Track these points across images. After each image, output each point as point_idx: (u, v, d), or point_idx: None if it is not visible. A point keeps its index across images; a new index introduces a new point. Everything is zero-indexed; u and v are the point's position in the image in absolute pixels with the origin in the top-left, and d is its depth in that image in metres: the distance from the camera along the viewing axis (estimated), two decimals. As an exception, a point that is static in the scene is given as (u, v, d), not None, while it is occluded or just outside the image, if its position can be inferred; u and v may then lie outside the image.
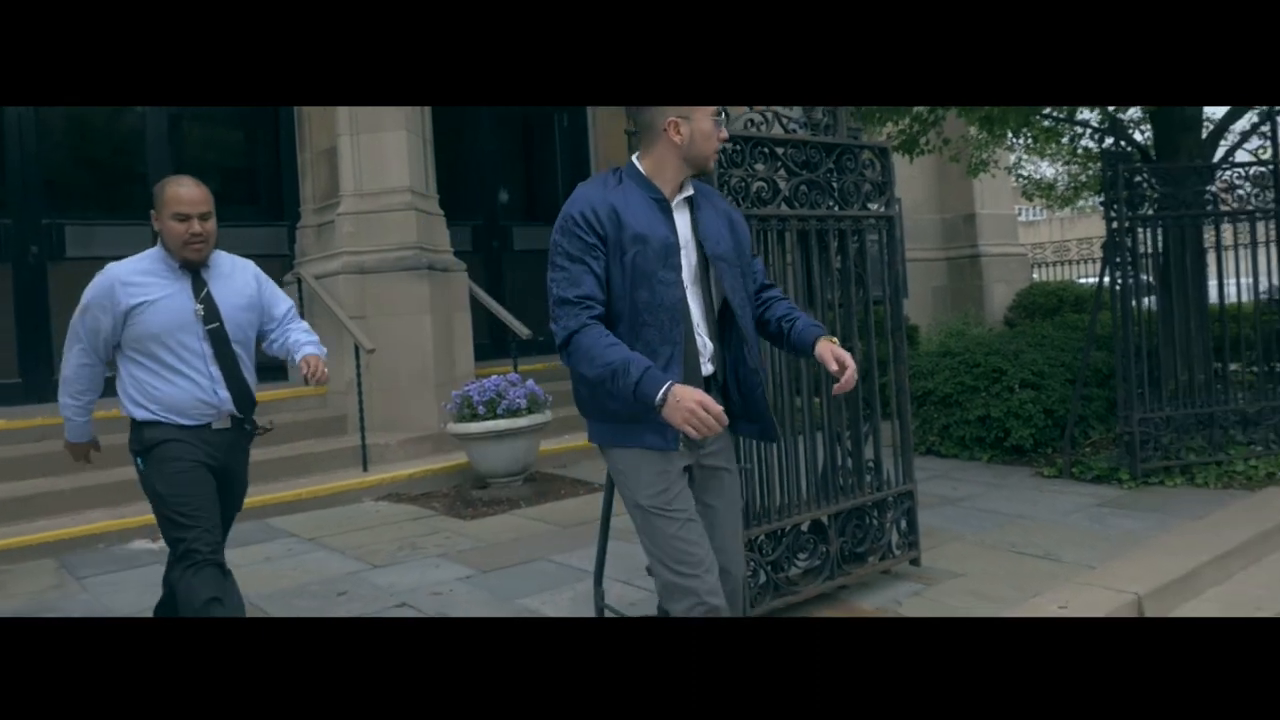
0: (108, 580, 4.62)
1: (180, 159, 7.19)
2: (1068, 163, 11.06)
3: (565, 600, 3.84)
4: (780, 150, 3.59)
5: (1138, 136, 7.23)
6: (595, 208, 2.19)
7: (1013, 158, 11.83)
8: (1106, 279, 5.50)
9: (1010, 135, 7.44)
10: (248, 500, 5.51)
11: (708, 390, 2.28)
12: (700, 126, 2.25)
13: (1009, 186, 12.30)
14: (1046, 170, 13.38)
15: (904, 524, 3.94)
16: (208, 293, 2.92)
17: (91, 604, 4.25)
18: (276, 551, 4.96)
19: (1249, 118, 6.90)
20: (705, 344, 2.31)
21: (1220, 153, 6.71)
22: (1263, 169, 5.85)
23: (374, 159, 6.66)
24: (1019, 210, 16.68)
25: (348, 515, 5.69)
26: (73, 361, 2.97)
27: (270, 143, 7.67)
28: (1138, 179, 5.53)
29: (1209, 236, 6.07)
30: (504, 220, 8.98)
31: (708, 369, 2.32)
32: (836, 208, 3.76)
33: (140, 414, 2.90)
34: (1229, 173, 5.94)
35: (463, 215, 8.24)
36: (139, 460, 2.93)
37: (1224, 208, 5.85)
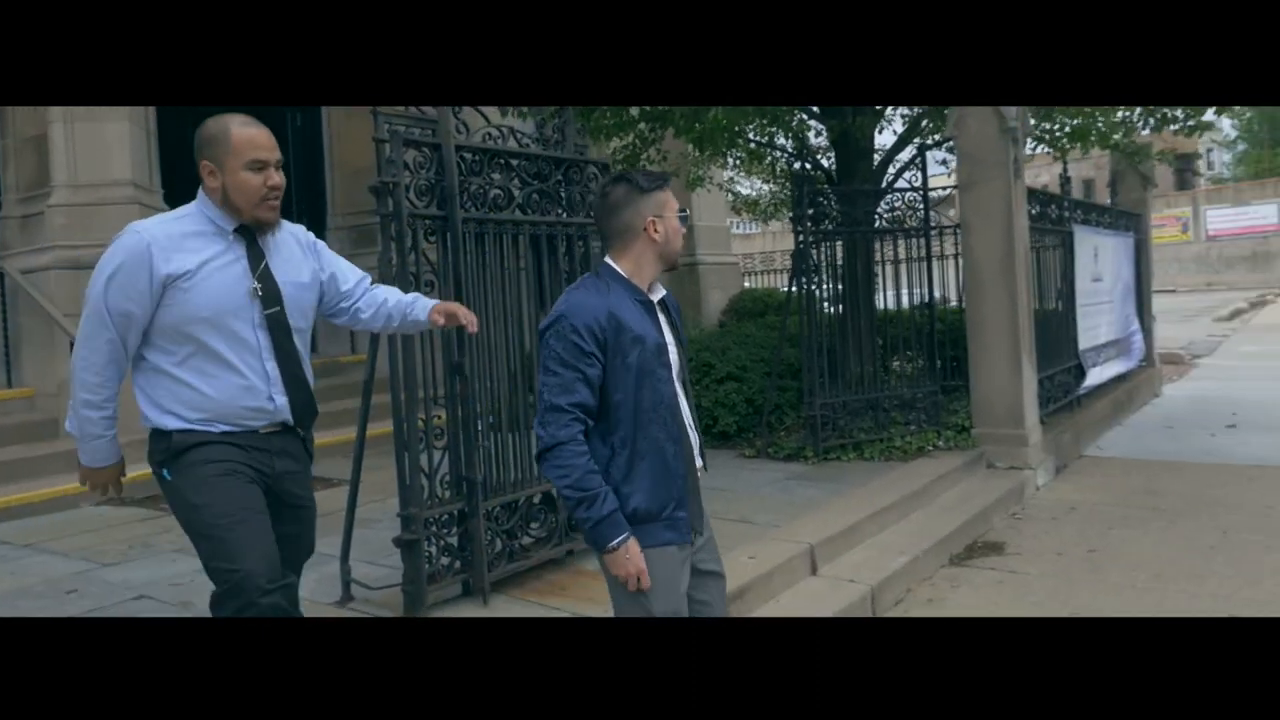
0: None
1: None
2: (768, 181, 12.33)
3: (312, 581, 4.01)
4: (515, 162, 4.01)
5: (825, 162, 8.31)
6: (597, 316, 2.21)
7: (726, 175, 12.98)
8: (795, 286, 6.39)
9: (722, 154, 8.31)
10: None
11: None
12: (671, 223, 2.34)
13: (723, 201, 13.47)
14: (761, 187, 14.79)
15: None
16: (266, 267, 2.30)
17: None
18: (-13, 558, 4.71)
19: (909, 150, 8.17)
20: (695, 438, 2.39)
21: (887, 180, 7.93)
22: (916, 194, 7.02)
23: (92, 149, 6.36)
24: (734, 223, 18.18)
25: (67, 520, 5.44)
26: (95, 355, 2.23)
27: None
28: (820, 199, 6.48)
29: (880, 250, 7.19)
30: (232, 217, 8.73)
31: (699, 462, 2.40)
32: (565, 215, 4.22)
33: (170, 422, 2.26)
34: (889, 196, 7.07)
35: (187, 210, 7.95)
36: (164, 471, 2.31)
37: (889, 226, 6.97)
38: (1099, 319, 8.75)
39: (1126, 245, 10.01)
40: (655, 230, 2.32)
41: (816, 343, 6.29)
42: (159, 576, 4.22)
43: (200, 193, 2.28)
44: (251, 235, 2.30)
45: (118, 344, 2.23)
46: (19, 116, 6.70)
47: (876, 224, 7.05)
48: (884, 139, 9.46)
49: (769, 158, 8.89)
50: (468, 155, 3.78)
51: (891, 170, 8.12)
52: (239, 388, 2.26)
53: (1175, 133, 7.51)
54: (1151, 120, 7.35)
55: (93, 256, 6.28)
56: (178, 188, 7.48)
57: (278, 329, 2.30)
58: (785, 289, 15.40)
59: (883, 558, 4.61)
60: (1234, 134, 50.61)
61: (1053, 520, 5.79)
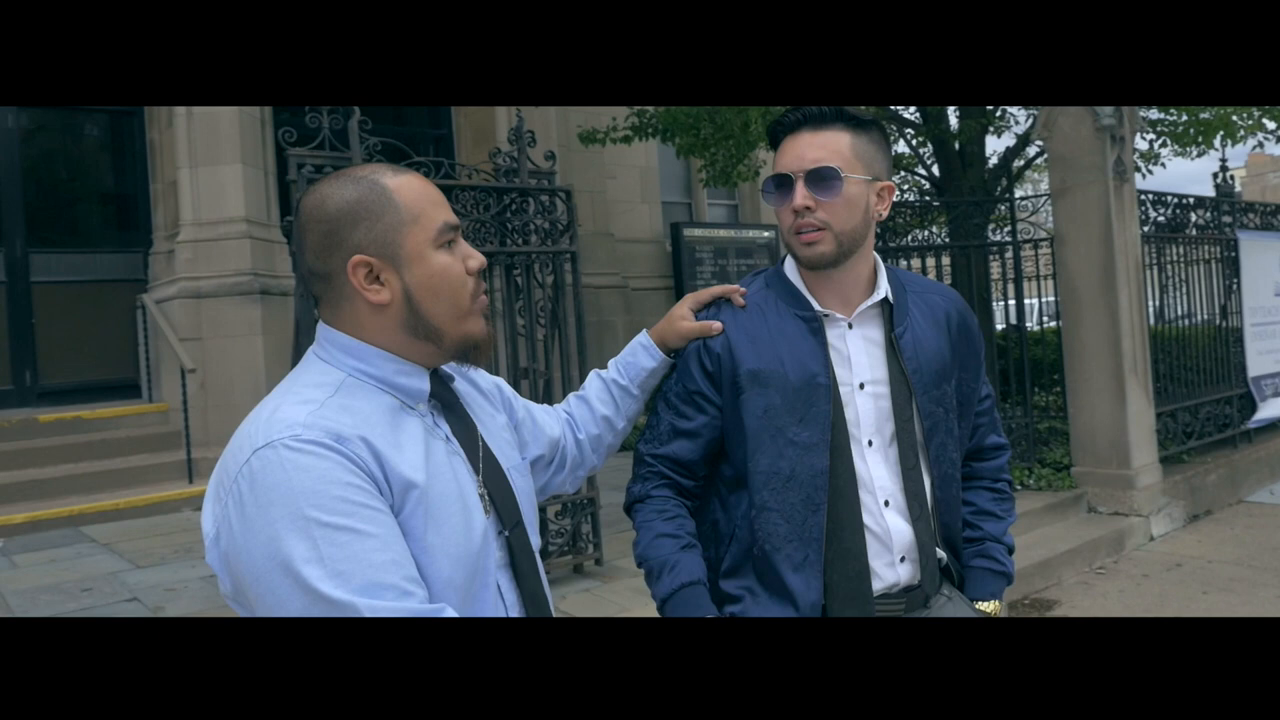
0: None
1: (34, 180, 7.65)
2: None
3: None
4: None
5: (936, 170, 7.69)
6: (708, 342, 1.60)
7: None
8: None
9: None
10: (66, 509, 6.03)
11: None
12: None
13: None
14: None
15: (587, 528, 4.37)
16: (482, 442, 1.29)
17: None
18: (66, 554, 5.36)
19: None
20: (893, 530, 1.55)
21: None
22: (1025, 204, 6.33)
23: (211, 191, 7.10)
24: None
25: (158, 524, 6.09)
26: None
27: (133, 168, 8.10)
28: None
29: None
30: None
31: (891, 577, 1.55)
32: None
33: None
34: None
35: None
36: None
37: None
38: (1287, 340, 7.43)
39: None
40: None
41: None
42: (164, 581, 4.63)
43: (331, 338, 1.22)
44: (450, 392, 1.30)
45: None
46: (162, 164, 7.62)
47: (995, 236, 6.47)
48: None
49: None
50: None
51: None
52: None
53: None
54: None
55: (212, 287, 7.05)
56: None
57: (519, 546, 1.29)
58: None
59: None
60: None
61: (1143, 578, 5.00)
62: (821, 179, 1.49)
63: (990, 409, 1.74)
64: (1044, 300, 6.75)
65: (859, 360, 1.56)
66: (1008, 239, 6.21)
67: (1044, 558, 5.00)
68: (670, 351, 1.64)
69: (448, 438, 1.23)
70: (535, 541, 1.34)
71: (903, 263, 6.02)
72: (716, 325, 1.58)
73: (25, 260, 7.48)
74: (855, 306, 1.57)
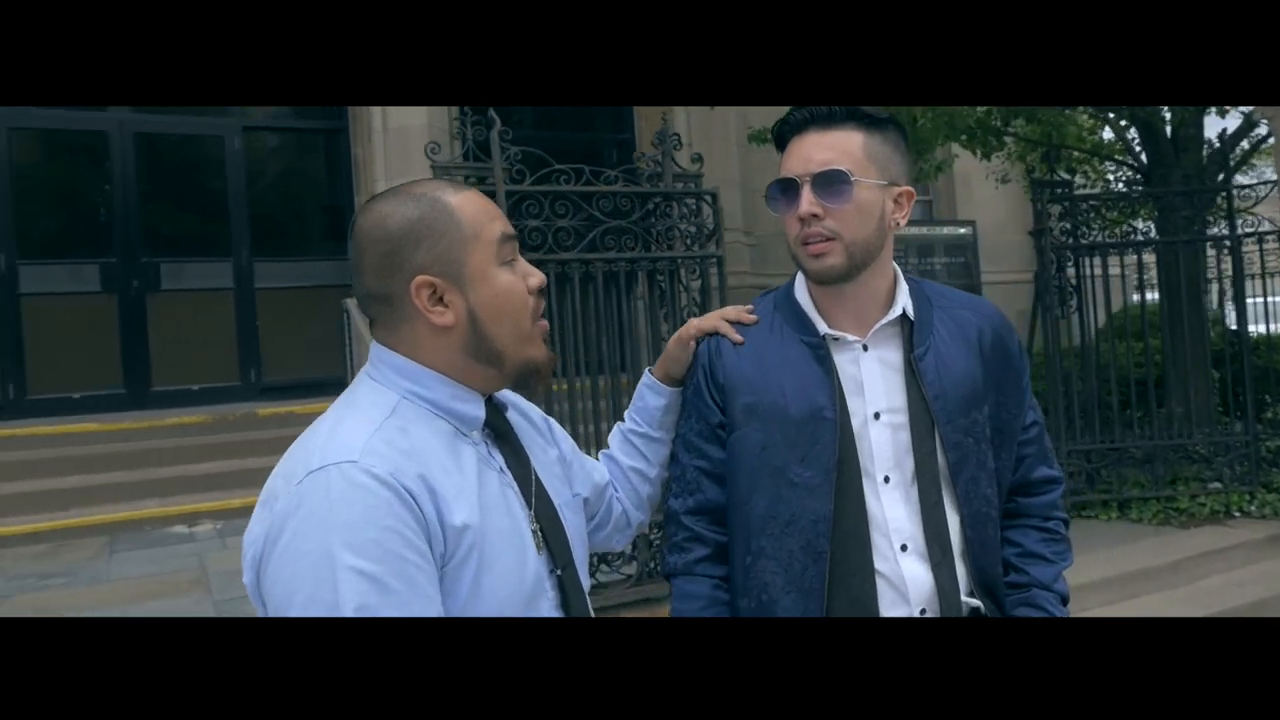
0: (131, 555, 5.67)
1: (257, 195, 8.43)
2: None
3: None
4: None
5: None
6: (713, 372, 1.47)
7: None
8: (1040, 310, 5.50)
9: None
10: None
11: None
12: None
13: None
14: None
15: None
16: (535, 476, 1.25)
17: (100, 573, 5.28)
18: (268, 540, 5.85)
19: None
20: (909, 577, 1.38)
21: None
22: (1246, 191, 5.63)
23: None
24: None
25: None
26: None
27: (342, 182, 8.77)
28: (1078, 205, 5.51)
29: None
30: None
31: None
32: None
33: None
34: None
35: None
36: None
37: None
38: None
39: None
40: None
41: (1062, 376, 5.35)
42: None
43: (386, 359, 1.18)
44: (505, 421, 1.27)
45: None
46: (367, 179, 8.19)
47: (1213, 230, 5.82)
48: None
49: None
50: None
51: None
52: None
53: None
54: None
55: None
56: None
57: (571, 587, 1.24)
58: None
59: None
60: None
61: (1386, 624, 4.30)
62: (829, 183, 1.35)
63: (1038, 437, 1.53)
64: (1270, 300, 5.96)
65: (873, 387, 1.41)
66: (1224, 232, 5.53)
67: (1261, 597, 4.43)
68: (676, 382, 1.55)
69: (501, 469, 1.21)
70: (585, 582, 1.29)
71: (1097, 260, 5.51)
72: (690, 334, 1.52)
73: (250, 268, 8.26)
74: (871, 326, 1.42)
